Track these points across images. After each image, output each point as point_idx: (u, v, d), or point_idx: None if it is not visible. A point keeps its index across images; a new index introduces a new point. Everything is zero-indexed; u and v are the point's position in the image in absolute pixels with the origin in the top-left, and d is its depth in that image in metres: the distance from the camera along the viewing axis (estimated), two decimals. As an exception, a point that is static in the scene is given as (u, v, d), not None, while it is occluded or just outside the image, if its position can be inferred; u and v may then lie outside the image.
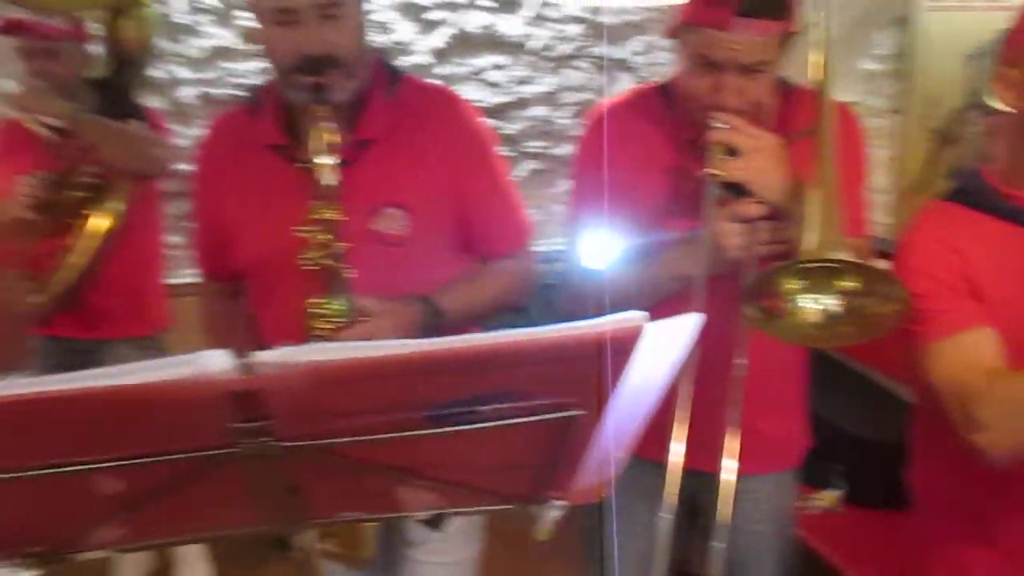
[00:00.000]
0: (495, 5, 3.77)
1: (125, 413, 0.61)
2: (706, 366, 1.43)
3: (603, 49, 3.99)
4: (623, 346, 0.65)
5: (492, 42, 3.82)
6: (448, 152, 1.54)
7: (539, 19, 3.86)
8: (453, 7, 3.71)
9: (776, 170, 1.46)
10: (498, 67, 3.80)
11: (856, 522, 2.51)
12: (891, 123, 4.54)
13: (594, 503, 1.63)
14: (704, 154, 1.49)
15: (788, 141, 1.50)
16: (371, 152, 1.51)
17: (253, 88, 1.61)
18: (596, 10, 3.77)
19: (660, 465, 1.54)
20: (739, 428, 1.54)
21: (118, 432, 0.63)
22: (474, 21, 3.76)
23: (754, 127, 1.49)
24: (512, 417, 0.69)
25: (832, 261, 1.31)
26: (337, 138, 1.36)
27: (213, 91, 3.55)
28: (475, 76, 3.80)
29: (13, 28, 2.37)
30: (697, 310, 1.32)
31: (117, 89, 2.56)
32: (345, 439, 0.66)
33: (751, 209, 1.45)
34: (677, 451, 1.52)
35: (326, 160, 1.33)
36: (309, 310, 1.37)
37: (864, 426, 2.49)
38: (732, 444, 1.54)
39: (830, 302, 1.36)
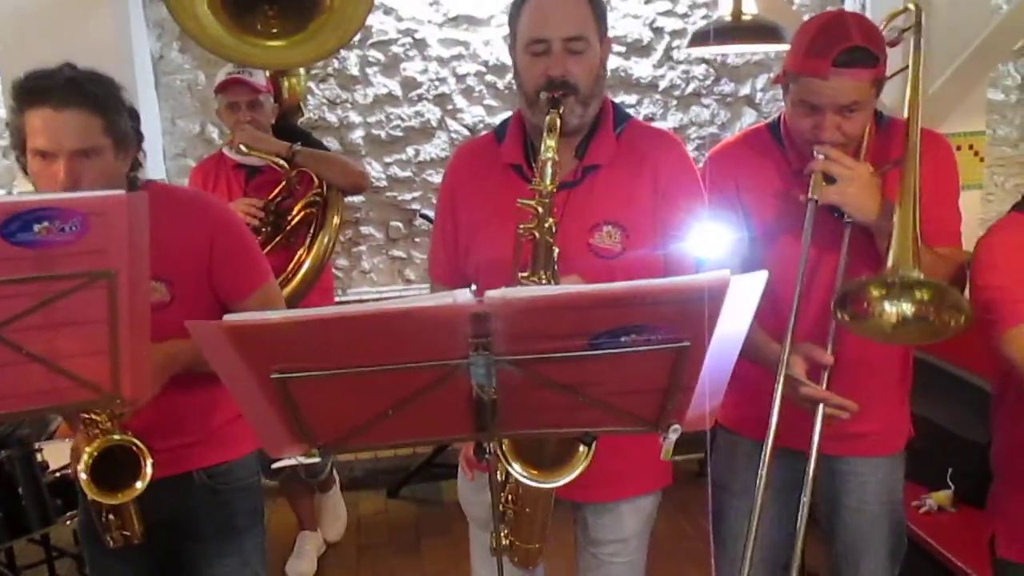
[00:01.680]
0: (625, 50, 4.13)
1: (400, 329, 0.99)
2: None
3: (728, 87, 4.28)
4: (716, 293, 0.97)
5: (624, 82, 4.17)
6: (660, 183, 1.73)
7: (668, 61, 4.19)
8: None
9: (868, 195, 1.72)
10: (628, 105, 4.14)
11: (967, 520, 2.65)
12: (1018, 152, 4.60)
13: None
14: (807, 181, 1.76)
15: (881, 171, 1.78)
16: (595, 176, 1.73)
17: (502, 122, 1.87)
18: (723, 53, 4.05)
19: (783, 451, 1.75)
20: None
21: (394, 343, 1.00)
22: (608, 64, 4.11)
23: (849, 158, 1.75)
24: (643, 346, 1.03)
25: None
26: (556, 157, 1.55)
27: (377, 132, 4.07)
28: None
29: (233, 84, 2.90)
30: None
31: (292, 130, 3.07)
32: (538, 355, 1.01)
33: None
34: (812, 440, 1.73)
35: (549, 155, 1.53)
36: (520, 280, 1.57)
37: (973, 430, 2.65)
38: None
39: (906, 308, 1.65)
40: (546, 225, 1.55)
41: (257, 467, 1.99)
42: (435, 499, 3.96)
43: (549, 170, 1.55)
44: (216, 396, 1.80)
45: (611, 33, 3.95)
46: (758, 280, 1.01)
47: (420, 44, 4.00)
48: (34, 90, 1.60)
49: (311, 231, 2.85)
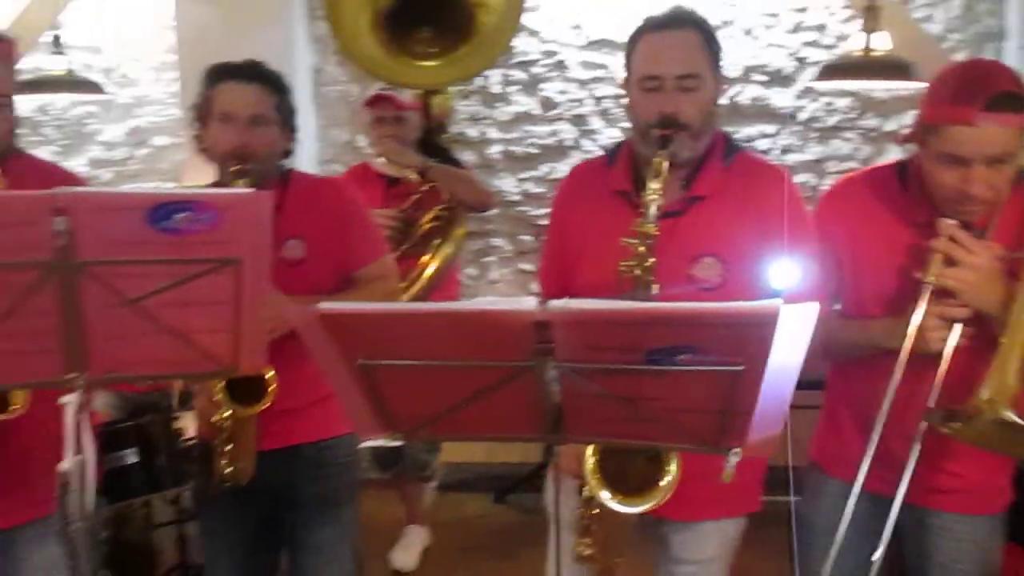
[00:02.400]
0: (767, 79, 4.11)
1: (471, 328, 1.09)
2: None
3: (872, 121, 4.16)
4: (766, 320, 1.01)
5: (763, 112, 4.15)
6: (765, 217, 1.71)
7: (811, 92, 4.13)
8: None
9: (987, 285, 1.60)
10: (765, 135, 4.11)
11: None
12: None
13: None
14: (931, 232, 1.64)
15: (1014, 256, 1.63)
16: (700, 207, 1.74)
17: (615, 145, 1.94)
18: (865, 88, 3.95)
19: (870, 497, 1.70)
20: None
21: (465, 341, 1.10)
22: (748, 93, 4.11)
23: (977, 242, 1.62)
24: (697, 365, 1.08)
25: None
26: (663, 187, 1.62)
27: (514, 149, 4.23)
28: (744, 143, 4.15)
29: (380, 100, 3.11)
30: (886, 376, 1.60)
31: (434, 146, 3.25)
32: (596, 365, 1.09)
33: (957, 312, 1.62)
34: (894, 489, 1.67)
35: (654, 197, 1.62)
36: None
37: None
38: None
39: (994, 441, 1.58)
40: (646, 264, 1.61)
41: (355, 445, 2.15)
42: (539, 508, 4.02)
43: (653, 211, 1.60)
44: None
45: (754, 62, 3.99)
46: (810, 311, 1.04)
47: (560, 65, 4.13)
48: (226, 69, 1.98)
49: (436, 241, 3.02)
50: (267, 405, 1.86)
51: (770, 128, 4.16)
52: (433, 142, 3.30)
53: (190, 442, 2.61)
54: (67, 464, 1.38)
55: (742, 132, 4.09)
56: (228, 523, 2.08)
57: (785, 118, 4.15)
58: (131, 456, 2.55)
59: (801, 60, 4.09)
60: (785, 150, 4.12)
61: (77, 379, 1.40)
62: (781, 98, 4.13)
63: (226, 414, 1.87)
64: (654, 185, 1.61)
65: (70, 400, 1.39)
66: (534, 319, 1.05)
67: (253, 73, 1.98)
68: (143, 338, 1.41)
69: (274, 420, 1.93)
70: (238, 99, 1.94)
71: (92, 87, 3.88)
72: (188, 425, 2.66)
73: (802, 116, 4.16)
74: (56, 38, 3.78)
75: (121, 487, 2.55)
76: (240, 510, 2.06)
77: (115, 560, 2.78)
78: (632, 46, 1.78)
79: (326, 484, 2.08)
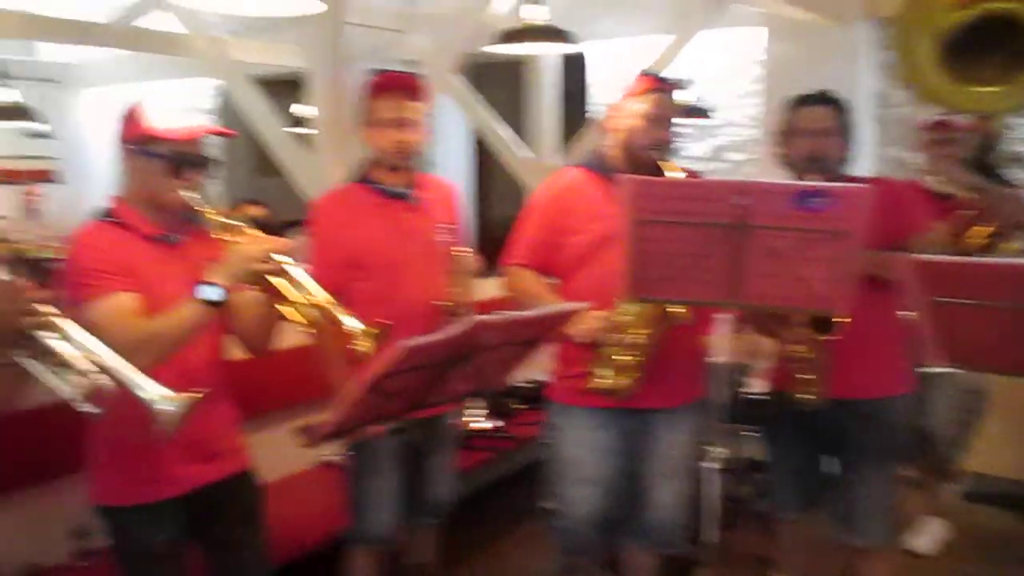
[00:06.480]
0: None
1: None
2: None
3: None
4: None
5: None
6: None
7: None
8: None
9: None
10: None
11: None
12: None
13: None
14: None
15: None
16: None
17: None
18: None
19: None
20: None
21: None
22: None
23: None
24: None
25: None
26: None
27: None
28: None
29: (939, 125, 3.52)
30: None
31: (983, 165, 3.44)
32: None
33: None
34: None
35: None
36: None
37: None
38: None
39: None
40: None
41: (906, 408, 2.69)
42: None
43: None
44: None
45: None
46: None
47: None
48: (804, 98, 2.67)
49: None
50: (835, 336, 2.44)
51: None
52: (983, 161, 3.56)
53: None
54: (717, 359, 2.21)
55: None
56: (789, 445, 2.79)
57: None
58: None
59: None
60: None
61: (730, 303, 2.20)
62: None
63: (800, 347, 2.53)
64: None
65: (725, 317, 2.22)
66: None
67: (823, 98, 2.64)
68: (778, 279, 2.16)
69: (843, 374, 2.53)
70: (812, 117, 2.62)
71: (701, 113, 4.93)
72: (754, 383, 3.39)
73: None
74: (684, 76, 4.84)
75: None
76: (802, 435, 2.74)
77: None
78: None
79: (877, 439, 2.63)
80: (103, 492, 2.18)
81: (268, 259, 2.01)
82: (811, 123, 2.62)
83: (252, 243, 2.02)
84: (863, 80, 4.71)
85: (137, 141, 2.09)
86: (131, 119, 2.11)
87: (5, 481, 2.64)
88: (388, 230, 2.65)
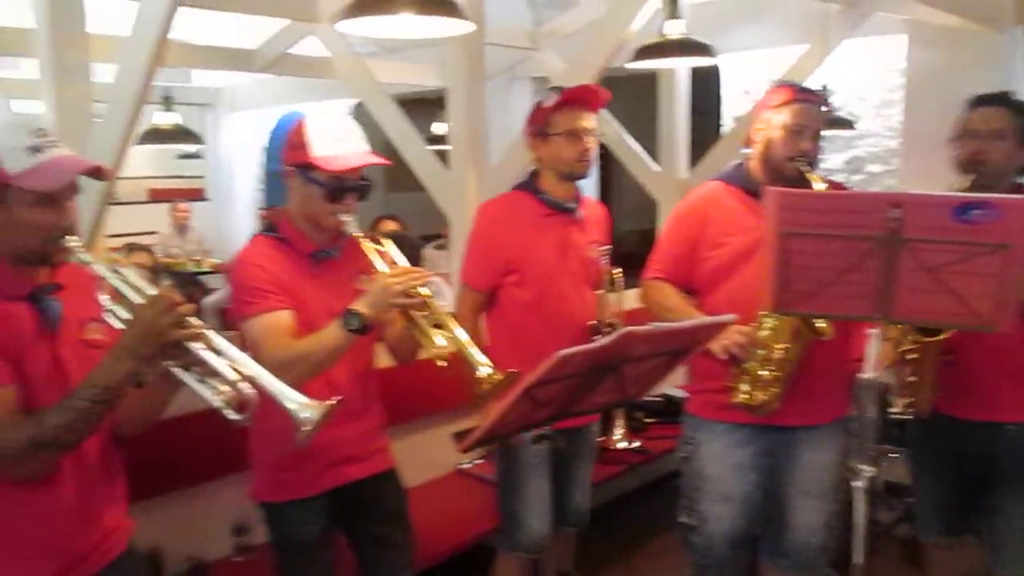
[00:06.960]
0: None
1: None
2: None
3: None
4: None
5: None
6: None
7: None
8: None
9: None
10: None
11: None
12: None
13: None
14: None
15: None
16: None
17: None
18: None
19: None
20: None
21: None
22: None
23: None
24: None
25: None
26: None
27: None
28: None
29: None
30: None
31: None
32: None
33: None
34: None
35: None
36: None
37: None
38: None
39: None
40: None
41: None
42: None
43: None
44: None
45: None
46: None
47: None
48: (979, 98, 2.56)
49: None
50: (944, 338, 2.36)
51: None
52: None
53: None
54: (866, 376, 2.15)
55: None
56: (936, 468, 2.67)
57: None
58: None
59: None
60: None
61: (880, 317, 2.14)
62: None
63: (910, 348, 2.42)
64: None
65: (874, 332, 2.15)
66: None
67: (999, 99, 2.53)
68: (932, 295, 2.09)
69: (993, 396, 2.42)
70: (983, 118, 2.49)
71: (845, 124, 4.81)
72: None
73: None
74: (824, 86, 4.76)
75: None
76: (947, 457, 2.63)
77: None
78: None
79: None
80: (261, 489, 2.34)
81: (412, 293, 2.08)
82: (981, 124, 2.52)
83: (398, 276, 2.09)
84: (1019, 89, 4.47)
85: (299, 166, 2.20)
86: (294, 141, 2.20)
87: (172, 480, 2.84)
88: (550, 241, 2.71)
